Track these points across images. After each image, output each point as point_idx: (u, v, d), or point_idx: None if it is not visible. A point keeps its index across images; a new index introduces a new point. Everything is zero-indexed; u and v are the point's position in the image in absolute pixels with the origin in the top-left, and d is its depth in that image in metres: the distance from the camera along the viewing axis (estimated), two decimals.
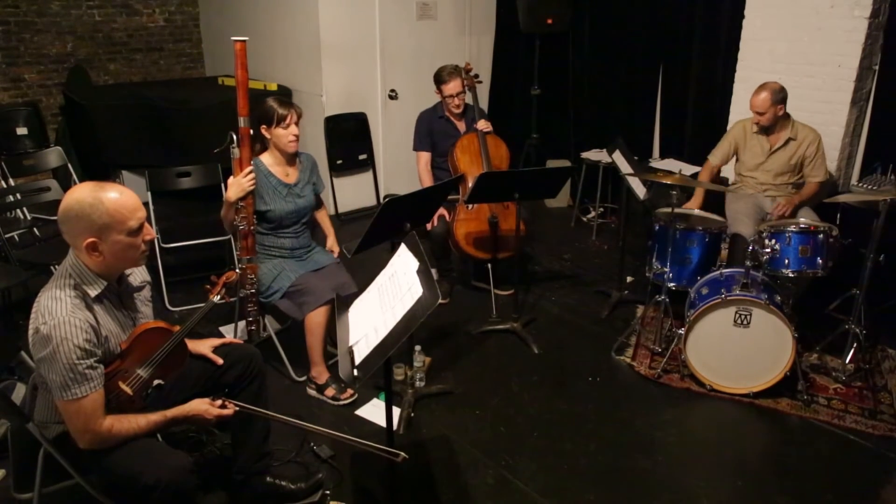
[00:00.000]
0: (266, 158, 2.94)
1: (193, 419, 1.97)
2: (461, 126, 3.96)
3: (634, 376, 3.22)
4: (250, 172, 2.76)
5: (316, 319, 2.90)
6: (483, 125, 3.81)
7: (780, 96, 3.48)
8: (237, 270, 2.92)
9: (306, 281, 2.90)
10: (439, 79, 3.84)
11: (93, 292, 1.83)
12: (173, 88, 5.42)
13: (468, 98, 3.90)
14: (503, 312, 3.71)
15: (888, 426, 2.81)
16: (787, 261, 3.05)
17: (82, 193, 1.77)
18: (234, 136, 2.91)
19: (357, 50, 5.19)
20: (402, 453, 1.87)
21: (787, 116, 3.59)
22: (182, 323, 2.04)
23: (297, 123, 2.87)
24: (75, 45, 5.67)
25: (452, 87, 3.79)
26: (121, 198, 1.79)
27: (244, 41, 2.66)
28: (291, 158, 2.99)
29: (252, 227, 2.83)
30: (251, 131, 2.76)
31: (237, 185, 2.74)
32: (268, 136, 2.89)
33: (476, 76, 3.95)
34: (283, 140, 2.87)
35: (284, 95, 5.10)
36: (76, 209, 1.75)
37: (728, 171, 4.31)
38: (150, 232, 1.88)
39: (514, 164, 4.60)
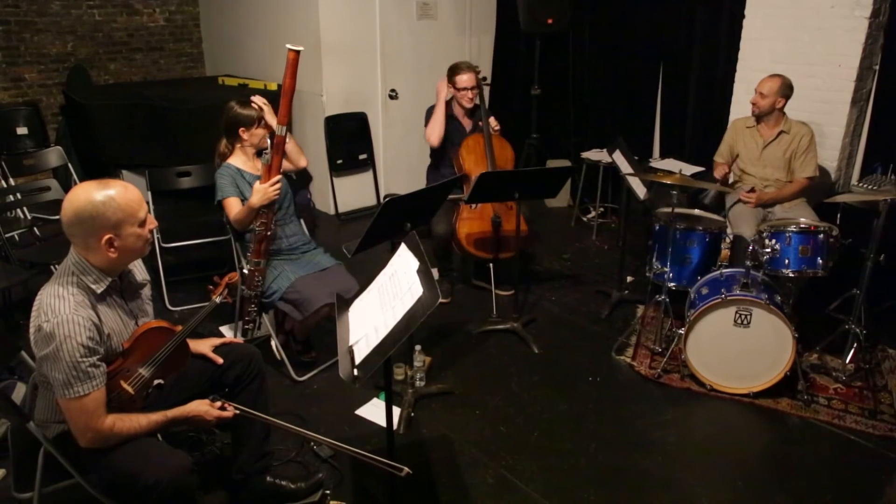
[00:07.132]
0: (235, 160, 3.01)
1: (193, 420, 1.98)
2: (467, 125, 3.97)
3: (634, 376, 3.22)
4: (277, 182, 2.81)
5: (311, 321, 2.98)
6: (493, 123, 3.86)
7: (787, 90, 3.61)
8: (244, 271, 2.93)
9: (304, 285, 2.92)
10: (454, 70, 3.86)
11: (97, 289, 1.84)
12: (173, 88, 5.41)
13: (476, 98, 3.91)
14: (503, 312, 3.71)
15: (888, 426, 2.81)
16: (787, 261, 3.05)
17: (90, 194, 1.77)
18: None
19: (357, 50, 5.19)
20: (406, 468, 1.83)
21: (783, 114, 3.67)
22: (183, 323, 2.04)
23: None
24: (75, 45, 5.67)
25: (466, 79, 3.81)
26: (127, 192, 1.83)
27: (298, 51, 2.62)
28: (256, 153, 3.07)
29: (269, 233, 2.87)
30: (285, 139, 2.79)
31: (262, 193, 2.80)
32: (245, 136, 2.96)
33: (484, 78, 3.98)
34: (261, 138, 2.97)
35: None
36: (90, 210, 1.76)
37: None
38: (153, 221, 1.92)
39: (516, 165, 4.60)
